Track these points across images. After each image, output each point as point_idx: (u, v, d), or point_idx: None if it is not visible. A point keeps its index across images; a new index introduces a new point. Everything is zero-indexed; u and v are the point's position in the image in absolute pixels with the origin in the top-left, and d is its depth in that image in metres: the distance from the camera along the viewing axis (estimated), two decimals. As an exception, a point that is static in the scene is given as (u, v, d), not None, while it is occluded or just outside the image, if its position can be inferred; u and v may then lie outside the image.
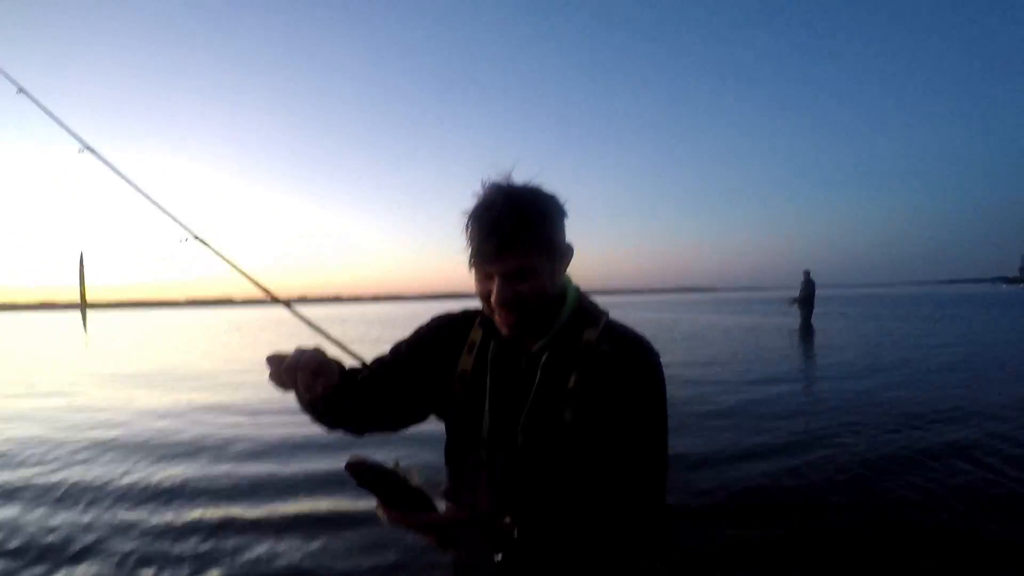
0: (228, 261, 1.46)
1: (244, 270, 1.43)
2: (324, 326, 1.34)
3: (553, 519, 1.05)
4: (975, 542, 3.51)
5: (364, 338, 20.72)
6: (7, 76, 1.67)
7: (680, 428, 6.13)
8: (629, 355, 1.16)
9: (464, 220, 1.16)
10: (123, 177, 1.52)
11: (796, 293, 18.79)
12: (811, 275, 18.22)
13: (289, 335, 23.52)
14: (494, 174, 1.17)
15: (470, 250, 1.15)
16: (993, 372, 9.05)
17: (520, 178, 1.18)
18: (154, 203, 1.48)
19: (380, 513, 0.96)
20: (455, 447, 1.28)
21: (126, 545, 3.83)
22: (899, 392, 7.83)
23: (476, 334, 1.29)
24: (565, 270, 1.24)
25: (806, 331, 17.32)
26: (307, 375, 1.08)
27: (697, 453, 5.33)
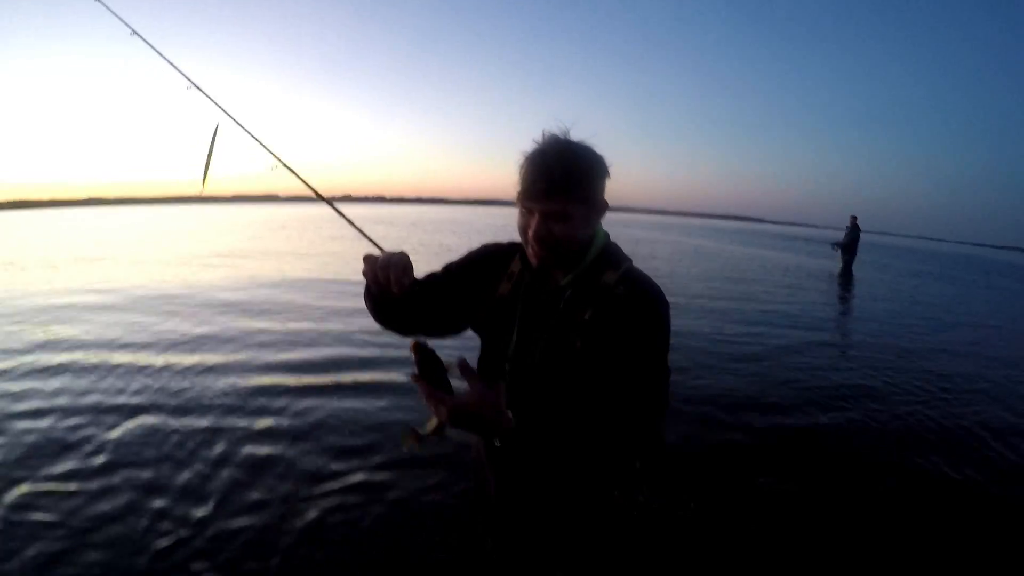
0: (277, 158, 1.65)
1: (291, 167, 1.65)
2: (367, 226, 1.53)
3: (550, 418, 1.29)
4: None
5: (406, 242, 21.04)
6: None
7: (697, 366, 6.26)
8: (640, 300, 1.35)
9: (521, 161, 1.35)
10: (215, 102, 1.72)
11: (841, 236, 18.43)
12: (858, 221, 17.78)
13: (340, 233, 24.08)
14: (554, 127, 1.34)
15: (520, 187, 1.33)
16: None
17: (577, 135, 1.34)
18: (243, 129, 1.72)
19: (418, 385, 1.18)
20: (486, 358, 1.55)
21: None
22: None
23: (516, 265, 1.51)
24: (598, 221, 1.43)
25: (846, 278, 17.07)
26: (399, 271, 1.31)
27: (708, 392, 5.45)
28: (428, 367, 1.20)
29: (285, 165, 1.70)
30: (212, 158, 1.66)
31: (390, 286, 1.31)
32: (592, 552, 1.59)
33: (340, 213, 1.65)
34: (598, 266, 1.41)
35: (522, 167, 1.34)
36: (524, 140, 1.41)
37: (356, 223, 1.60)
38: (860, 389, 5.66)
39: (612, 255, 1.44)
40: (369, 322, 1.57)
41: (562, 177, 1.28)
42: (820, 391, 5.50)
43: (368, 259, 1.36)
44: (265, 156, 1.70)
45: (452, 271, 1.60)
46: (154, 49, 1.88)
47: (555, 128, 1.35)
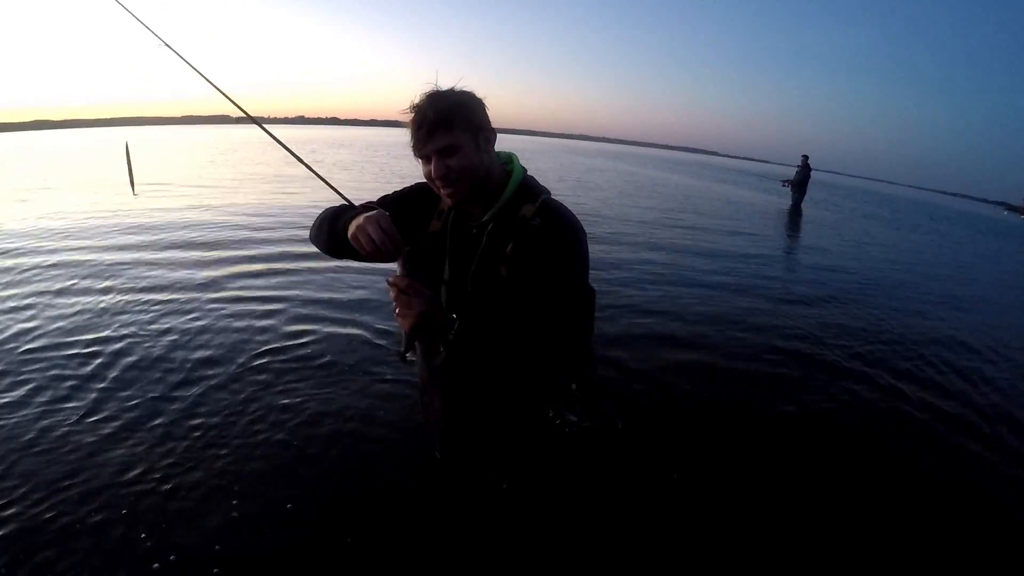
0: (222, 93, 1.63)
1: (236, 100, 1.67)
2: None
3: (486, 335, 1.43)
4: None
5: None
6: None
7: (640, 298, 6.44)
8: (555, 230, 1.48)
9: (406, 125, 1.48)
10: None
11: (792, 175, 18.74)
12: (808, 161, 18.07)
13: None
14: (427, 87, 1.47)
15: (411, 141, 1.47)
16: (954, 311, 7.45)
17: (447, 85, 1.48)
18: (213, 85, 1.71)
19: (399, 284, 1.39)
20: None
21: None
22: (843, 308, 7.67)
23: (444, 204, 1.60)
24: (491, 149, 1.54)
25: (794, 215, 17.45)
26: (394, 236, 1.37)
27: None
28: (415, 266, 1.43)
29: (251, 117, 1.71)
30: (132, 169, 1.72)
31: (388, 253, 1.37)
32: (530, 463, 1.75)
33: (292, 152, 1.65)
34: (517, 200, 1.53)
35: (407, 123, 1.47)
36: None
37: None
38: (795, 322, 5.91)
39: (530, 188, 1.55)
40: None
41: (436, 115, 1.41)
42: (755, 327, 5.70)
43: (360, 234, 1.37)
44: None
45: (387, 203, 1.68)
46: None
47: (430, 84, 1.48)
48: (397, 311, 1.39)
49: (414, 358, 1.69)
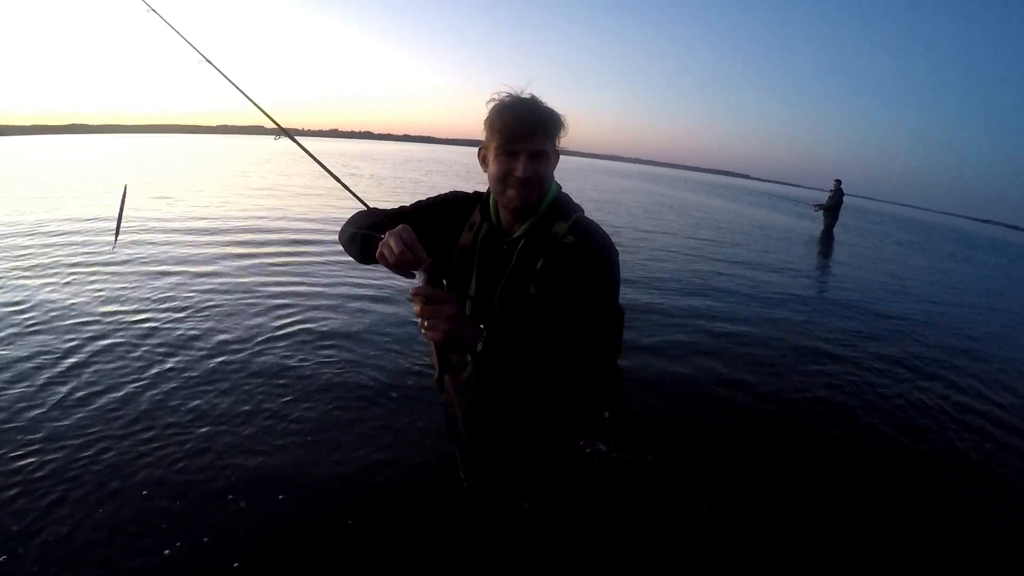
0: (265, 113, 1.66)
1: (278, 120, 1.65)
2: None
3: (514, 348, 1.38)
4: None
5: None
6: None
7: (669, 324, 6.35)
8: (587, 249, 1.48)
9: (490, 114, 1.47)
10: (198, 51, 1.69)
11: (824, 199, 18.58)
12: (841, 185, 17.89)
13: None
14: (511, 88, 1.47)
15: (500, 135, 1.43)
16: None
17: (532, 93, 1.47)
18: (238, 89, 1.69)
19: (422, 295, 1.35)
20: None
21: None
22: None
23: (476, 216, 1.62)
24: (554, 169, 1.54)
25: (826, 239, 17.24)
26: (419, 251, 1.35)
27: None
28: (437, 278, 1.42)
29: (282, 129, 1.71)
30: (122, 217, 1.73)
31: (409, 264, 1.36)
32: (553, 485, 1.72)
33: (320, 163, 1.65)
34: (550, 216, 1.52)
35: (495, 117, 1.45)
36: (513, 79, 1.49)
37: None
38: (824, 352, 5.78)
39: (563, 206, 1.55)
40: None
41: (544, 118, 1.43)
42: (789, 351, 5.62)
43: (384, 249, 1.37)
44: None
45: (420, 209, 1.68)
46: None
47: (512, 87, 1.47)
48: (426, 323, 1.35)
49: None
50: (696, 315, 6.42)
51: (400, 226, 1.37)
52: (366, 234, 1.52)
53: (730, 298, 7.55)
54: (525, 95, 1.45)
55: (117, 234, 1.70)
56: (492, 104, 1.47)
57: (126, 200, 1.70)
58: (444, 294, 1.36)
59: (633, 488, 2.92)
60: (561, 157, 1.54)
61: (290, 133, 1.71)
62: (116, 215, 1.68)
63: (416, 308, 1.35)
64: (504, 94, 1.46)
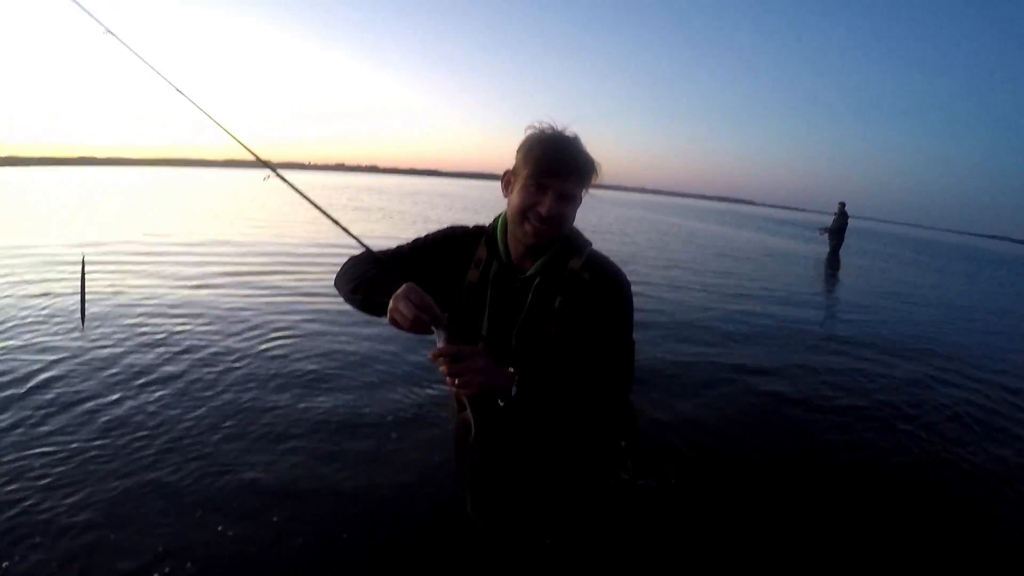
0: (260, 159, 1.65)
1: (277, 168, 1.66)
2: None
3: (543, 389, 1.34)
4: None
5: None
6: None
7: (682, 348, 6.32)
8: (606, 285, 1.46)
9: (527, 141, 1.43)
10: (145, 61, 1.71)
11: (829, 222, 18.61)
12: (846, 208, 17.93)
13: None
14: (554, 120, 1.43)
15: (534, 165, 1.38)
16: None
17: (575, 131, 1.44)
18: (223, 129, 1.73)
19: (446, 354, 1.26)
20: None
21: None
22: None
23: (482, 252, 1.55)
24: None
25: (832, 262, 17.22)
26: (432, 309, 1.29)
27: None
28: (459, 334, 1.30)
29: (274, 169, 1.71)
30: (85, 294, 1.72)
31: (426, 324, 1.29)
32: (577, 520, 1.66)
33: (315, 203, 1.64)
34: (564, 252, 1.48)
35: (533, 146, 1.40)
36: (514, 115, 1.47)
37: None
38: (841, 376, 5.71)
39: (575, 241, 1.52)
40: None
41: (583, 161, 1.40)
42: (803, 376, 5.56)
43: (395, 315, 1.31)
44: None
45: (420, 248, 1.62)
46: (128, 47, 1.82)
47: (554, 121, 1.43)
48: (457, 381, 1.26)
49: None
50: (710, 345, 6.38)
51: (405, 287, 1.30)
52: (367, 294, 1.46)
53: (741, 325, 7.51)
54: (568, 132, 1.42)
55: (84, 314, 1.67)
56: (530, 132, 1.43)
57: (85, 274, 1.67)
58: (470, 348, 1.28)
59: (659, 514, 2.87)
60: None
61: (277, 170, 1.70)
62: (79, 296, 1.65)
63: (442, 368, 1.27)
64: (547, 125, 1.43)
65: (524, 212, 1.41)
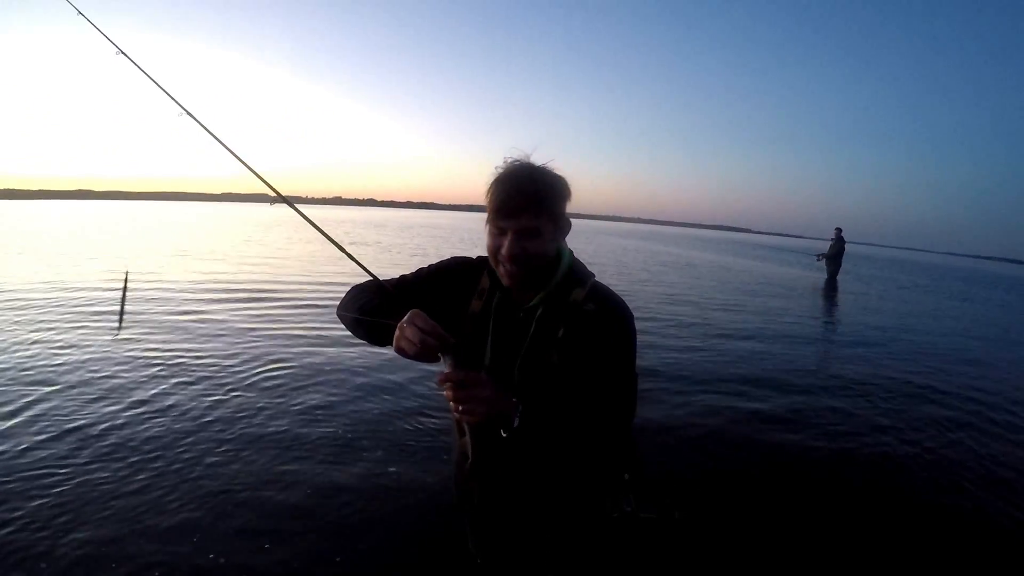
0: (271, 187, 1.66)
1: (287, 196, 1.66)
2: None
3: (546, 420, 1.31)
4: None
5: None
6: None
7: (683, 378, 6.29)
8: (609, 316, 1.43)
9: (488, 185, 1.41)
10: (156, 82, 1.73)
11: (826, 247, 18.72)
12: (842, 233, 18.05)
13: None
14: (517, 153, 1.43)
15: (489, 210, 1.40)
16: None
17: (539, 159, 1.43)
18: (233, 154, 1.73)
19: (453, 380, 1.24)
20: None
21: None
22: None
23: (485, 281, 1.55)
24: (563, 239, 1.50)
25: (830, 288, 17.26)
26: (439, 336, 1.28)
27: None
28: (466, 360, 1.28)
29: (281, 196, 1.71)
30: (125, 304, 1.71)
31: (434, 351, 1.27)
32: (580, 555, 1.63)
33: (321, 231, 1.65)
34: (567, 284, 1.47)
35: (491, 189, 1.40)
36: (512, 143, 1.47)
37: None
38: (843, 406, 5.72)
39: (578, 272, 1.51)
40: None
41: (533, 194, 1.36)
42: (807, 407, 5.55)
43: (403, 343, 1.30)
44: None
45: (423, 279, 1.62)
46: (141, 69, 1.86)
47: (516, 154, 1.43)
48: (461, 408, 1.25)
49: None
50: (713, 379, 6.32)
51: (411, 313, 1.31)
52: (372, 319, 1.45)
53: (743, 358, 7.54)
54: (527, 162, 1.41)
55: (121, 320, 1.68)
56: (497, 171, 1.42)
57: (127, 285, 1.68)
58: (476, 376, 1.26)
59: (662, 548, 2.82)
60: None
61: (290, 201, 1.69)
62: (119, 304, 1.66)
63: (447, 394, 1.26)
64: (510, 159, 1.42)
65: (493, 255, 1.43)
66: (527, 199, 1.36)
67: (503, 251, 1.38)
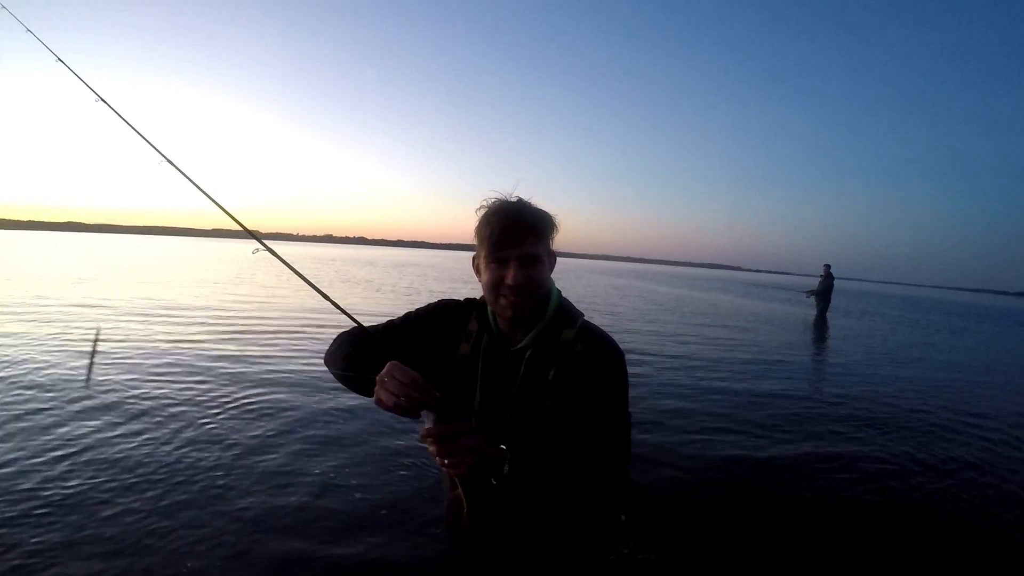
0: (256, 236, 1.67)
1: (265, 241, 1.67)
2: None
3: (537, 466, 1.29)
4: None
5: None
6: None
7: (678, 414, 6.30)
8: (600, 356, 1.43)
9: (481, 220, 1.43)
10: (137, 131, 1.77)
11: (816, 284, 18.84)
12: (831, 269, 18.20)
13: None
14: (499, 192, 1.44)
15: (488, 243, 1.39)
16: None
17: (523, 195, 1.45)
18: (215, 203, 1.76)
19: (438, 436, 1.19)
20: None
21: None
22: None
23: (473, 324, 1.54)
24: (551, 273, 1.50)
25: (820, 324, 17.31)
26: (421, 387, 1.22)
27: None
28: (447, 414, 1.22)
29: (265, 246, 1.72)
30: (95, 359, 1.75)
31: (417, 405, 1.22)
32: None
33: (304, 278, 1.65)
34: (556, 323, 1.46)
35: (482, 226, 1.42)
36: (500, 184, 1.47)
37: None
38: (837, 437, 5.72)
39: (567, 311, 1.50)
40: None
41: (532, 221, 1.39)
42: (803, 442, 5.55)
43: (382, 395, 1.24)
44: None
45: (411, 323, 1.60)
46: (120, 116, 1.90)
47: (499, 192, 1.44)
48: (446, 461, 1.21)
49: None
50: (707, 419, 6.26)
51: (389, 365, 1.25)
52: (355, 373, 1.41)
53: (736, 398, 7.56)
54: (512, 198, 1.43)
55: (90, 374, 1.67)
56: (481, 211, 1.43)
57: (97, 343, 1.68)
58: (459, 427, 1.21)
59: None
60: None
61: (274, 251, 1.67)
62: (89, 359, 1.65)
63: (431, 449, 1.21)
64: (493, 198, 1.43)
65: (495, 289, 1.41)
66: (527, 227, 1.38)
67: (508, 280, 1.37)
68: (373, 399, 1.27)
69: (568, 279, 34.20)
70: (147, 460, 4.07)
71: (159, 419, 4.95)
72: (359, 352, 1.47)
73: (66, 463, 3.92)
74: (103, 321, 9.85)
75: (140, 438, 4.47)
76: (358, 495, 3.76)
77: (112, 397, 5.43)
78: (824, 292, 18.41)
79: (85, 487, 3.60)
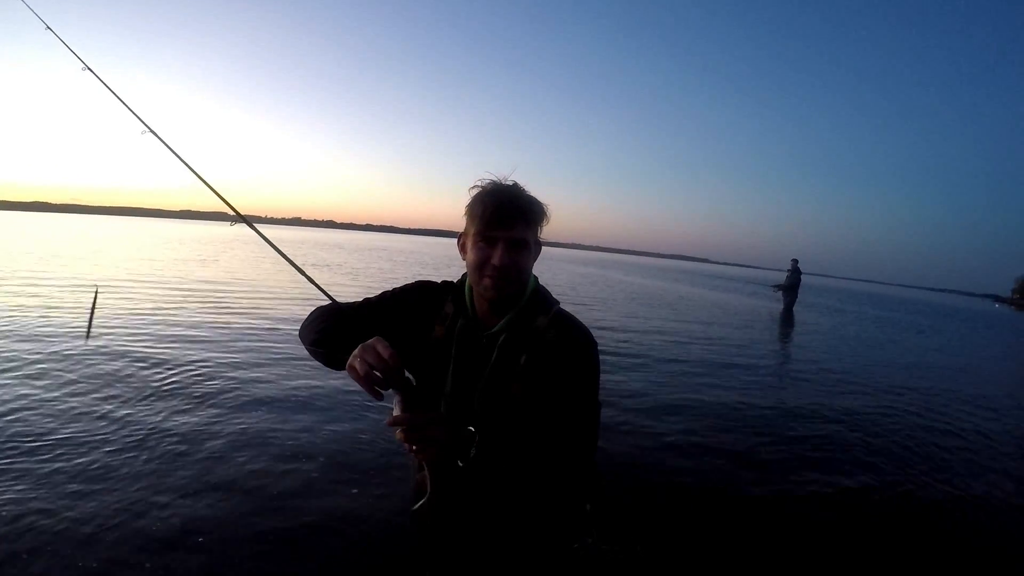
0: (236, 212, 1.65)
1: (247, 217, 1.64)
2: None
3: (503, 450, 1.29)
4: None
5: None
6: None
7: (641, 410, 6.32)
8: (571, 344, 1.42)
9: (470, 200, 1.42)
10: (124, 104, 1.71)
11: (782, 279, 19.01)
12: (799, 264, 18.39)
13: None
14: (495, 174, 1.43)
15: (479, 222, 1.37)
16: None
17: (518, 180, 1.44)
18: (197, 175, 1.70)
19: (404, 422, 1.20)
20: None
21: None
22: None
23: (449, 307, 1.51)
24: (535, 262, 1.49)
25: (786, 318, 17.56)
26: (395, 362, 1.22)
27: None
28: (414, 401, 1.22)
29: (242, 216, 1.68)
30: (94, 316, 1.72)
31: (383, 383, 1.22)
32: None
33: (282, 253, 1.61)
34: (530, 310, 1.45)
35: (476, 203, 1.39)
36: (469, 174, 1.45)
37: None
38: (801, 428, 5.83)
39: (543, 298, 1.49)
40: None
41: (525, 205, 1.38)
42: (763, 434, 5.62)
43: (354, 367, 1.24)
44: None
45: (386, 301, 1.58)
46: (105, 84, 1.86)
47: (496, 175, 1.43)
48: (413, 448, 1.21)
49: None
50: (673, 411, 6.32)
51: (375, 338, 1.26)
52: (329, 347, 1.42)
53: (700, 391, 7.66)
54: (508, 182, 1.42)
55: (90, 329, 1.63)
56: (474, 190, 1.42)
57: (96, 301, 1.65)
58: (427, 415, 1.23)
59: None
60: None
61: (250, 221, 1.66)
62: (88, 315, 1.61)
63: (398, 435, 1.21)
64: (487, 180, 1.42)
65: (480, 267, 1.39)
66: (520, 211, 1.37)
67: (494, 260, 1.36)
68: (346, 367, 1.26)
69: (536, 267, 34.04)
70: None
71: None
72: (331, 327, 1.46)
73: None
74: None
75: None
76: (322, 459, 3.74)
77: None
78: (791, 287, 18.60)
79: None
